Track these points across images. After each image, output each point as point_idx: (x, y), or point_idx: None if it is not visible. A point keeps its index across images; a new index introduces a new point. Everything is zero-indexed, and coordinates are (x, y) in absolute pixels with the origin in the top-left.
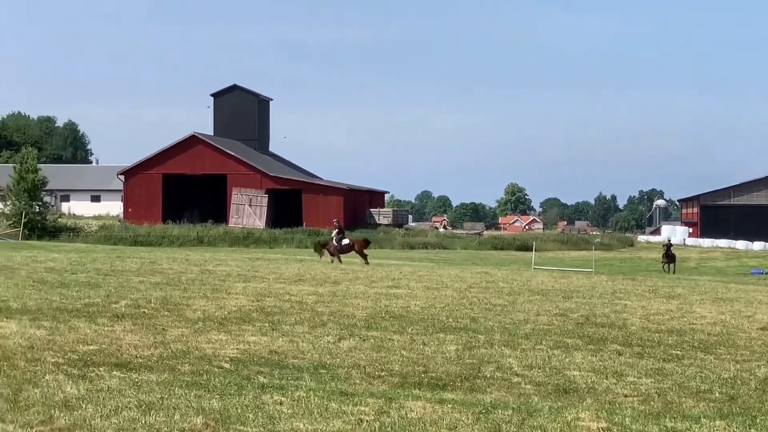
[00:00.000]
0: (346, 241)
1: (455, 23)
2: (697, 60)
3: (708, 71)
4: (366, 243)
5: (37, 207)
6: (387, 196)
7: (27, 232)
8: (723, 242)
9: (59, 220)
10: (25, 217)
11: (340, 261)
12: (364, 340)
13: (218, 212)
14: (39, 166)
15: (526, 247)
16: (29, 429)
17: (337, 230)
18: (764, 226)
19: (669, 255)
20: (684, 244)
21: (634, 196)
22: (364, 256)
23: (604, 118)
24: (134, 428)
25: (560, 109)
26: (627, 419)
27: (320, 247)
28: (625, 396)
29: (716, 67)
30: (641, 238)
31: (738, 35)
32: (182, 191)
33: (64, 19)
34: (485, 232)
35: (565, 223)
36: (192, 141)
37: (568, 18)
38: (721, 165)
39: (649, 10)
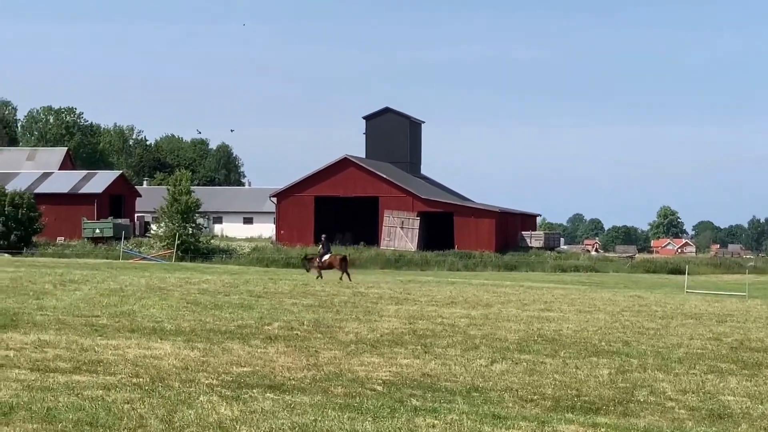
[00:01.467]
0: (326, 258)
1: (606, 44)
2: None
3: None
4: (343, 260)
5: (190, 229)
6: (539, 219)
7: (180, 254)
8: None
9: (212, 241)
10: (178, 239)
11: (321, 276)
12: (517, 363)
13: (370, 234)
14: (192, 188)
15: (678, 271)
16: None
17: (322, 245)
18: None
19: None
20: None
21: None
22: (346, 273)
23: (757, 139)
24: None
25: (712, 131)
26: None
27: (307, 261)
28: None
29: None
30: None
31: None
32: (334, 213)
33: (217, 45)
34: (637, 256)
35: (718, 246)
36: (344, 163)
37: (709, 39)
38: None
39: None
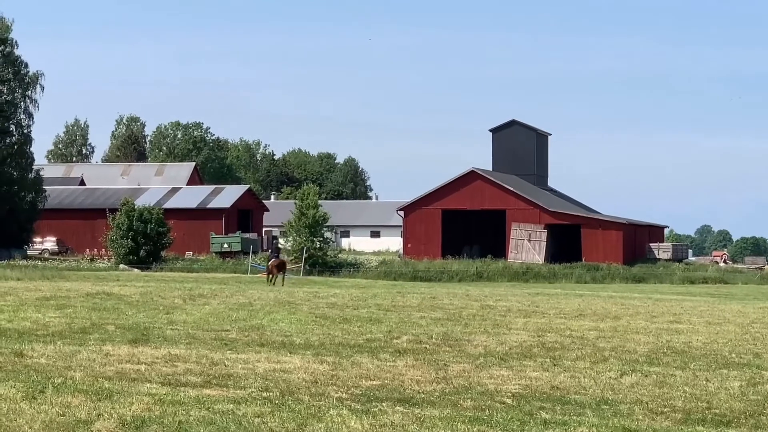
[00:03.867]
0: (270, 262)
1: (737, 51)
2: None
3: None
4: (279, 265)
5: (318, 243)
6: (666, 231)
7: (308, 268)
8: None
9: (339, 255)
10: (306, 253)
11: (272, 283)
12: (646, 375)
13: (497, 247)
14: (320, 202)
15: None
16: None
17: (270, 251)
18: None
19: None
20: None
21: None
22: (281, 277)
23: None
24: None
25: None
26: None
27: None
28: None
29: None
30: None
31: None
32: (461, 226)
33: (338, 61)
34: (767, 267)
35: None
36: (471, 176)
37: None
38: None
39: None
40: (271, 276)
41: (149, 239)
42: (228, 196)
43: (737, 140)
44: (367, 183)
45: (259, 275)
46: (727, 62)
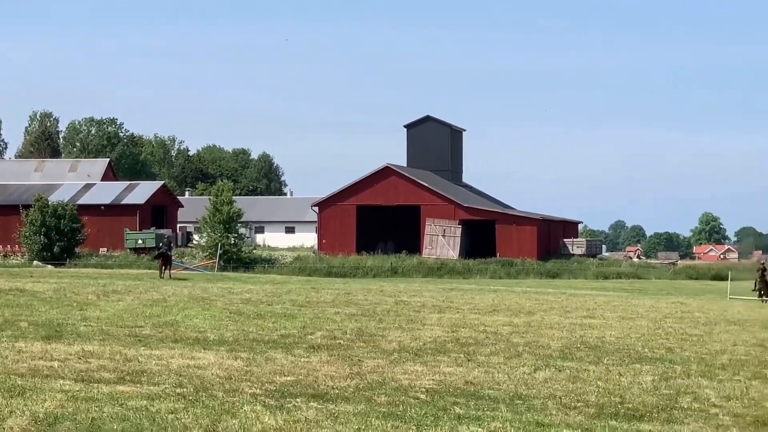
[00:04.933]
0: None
1: (652, 50)
2: None
3: None
4: (165, 259)
5: (232, 239)
6: (580, 226)
7: (222, 264)
8: None
9: (254, 251)
10: (220, 249)
11: (162, 276)
12: (560, 370)
13: (412, 243)
14: (234, 198)
15: (721, 277)
16: None
17: (161, 245)
18: None
19: (765, 281)
20: None
21: None
22: (168, 270)
23: None
24: None
25: (753, 138)
26: None
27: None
28: None
29: None
30: None
31: None
32: (376, 222)
33: (254, 55)
34: (680, 262)
35: (761, 252)
36: (385, 172)
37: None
38: None
39: None
40: (161, 269)
41: (63, 235)
42: (142, 192)
43: (651, 136)
44: (282, 179)
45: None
46: (639, 58)
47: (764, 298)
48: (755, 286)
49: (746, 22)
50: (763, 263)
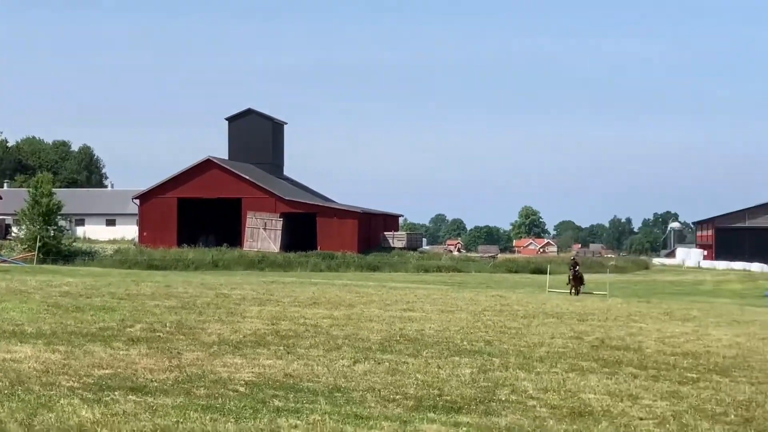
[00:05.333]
0: None
1: (467, 46)
2: (715, 83)
3: (725, 95)
4: None
5: (52, 231)
6: (401, 220)
7: (42, 257)
8: (738, 265)
9: (74, 244)
10: (39, 242)
11: None
12: (379, 363)
13: (233, 236)
14: (54, 190)
15: (540, 270)
16: None
17: None
18: None
19: (576, 277)
20: (699, 266)
21: (648, 219)
22: None
23: (619, 140)
24: None
25: (574, 132)
26: None
27: None
28: (641, 419)
29: (733, 90)
30: (656, 260)
31: (749, 58)
32: (197, 215)
33: (76, 45)
34: (499, 255)
35: (580, 245)
36: (207, 165)
37: (583, 41)
38: (736, 188)
39: (662, 32)
40: None
41: None
42: None
43: (471, 130)
44: (103, 171)
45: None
46: (455, 54)
47: (574, 291)
48: (568, 280)
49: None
50: (574, 258)
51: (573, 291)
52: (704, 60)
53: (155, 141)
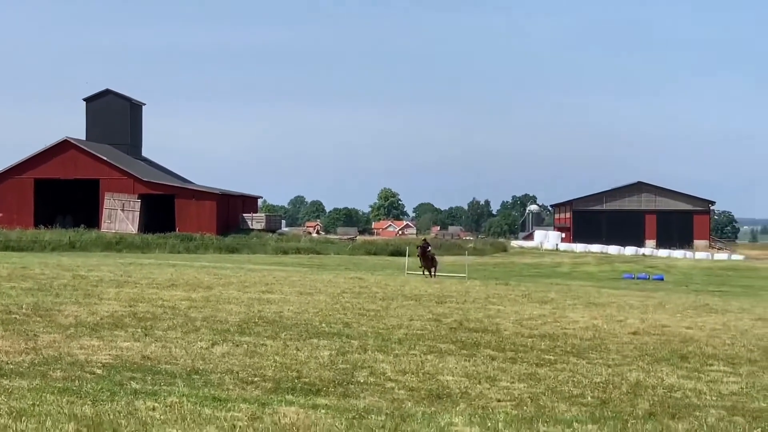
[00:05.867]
0: None
1: (331, 26)
2: (574, 64)
3: (587, 75)
4: None
5: None
6: (260, 201)
7: None
8: (595, 247)
9: None
10: None
11: None
12: (237, 345)
13: (91, 217)
14: None
15: (399, 252)
16: None
17: None
18: (635, 231)
19: (426, 257)
20: (557, 249)
21: (507, 202)
22: None
23: (479, 123)
24: None
25: (435, 115)
26: (500, 424)
27: None
28: (498, 401)
29: (595, 70)
30: (514, 243)
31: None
32: (55, 196)
33: None
34: (358, 237)
35: (439, 228)
36: (64, 146)
37: (445, 22)
38: (593, 171)
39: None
40: None
41: None
42: None
43: (330, 111)
44: None
45: None
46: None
47: (427, 273)
48: (420, 263)
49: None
50: (425, 239)
51: (426, 273)
52: (549, 36)
53: (11, 120)
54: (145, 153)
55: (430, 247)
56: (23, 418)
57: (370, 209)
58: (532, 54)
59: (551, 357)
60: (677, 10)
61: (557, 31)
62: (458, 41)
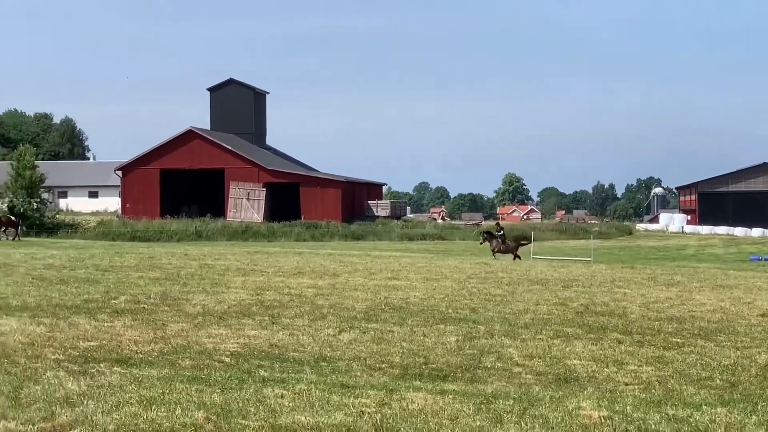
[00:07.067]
0: None
1: (446, 13)
2: (695, 49)
3: (705, 60)
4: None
5: (34, 204)
6: (385, 188)
7: (25, 229)
8: (721, 229)
9: (57, 216)
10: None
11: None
12: (364, 332)
13: (216, 207)
14: (36, 162)
15: (524, 237)
16: (31, 426)
17: None
18: (762, 213)
19: (502, 242)
20: (682, 231)
21: (631, 185)
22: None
23: (601, 106)
24: (136, 423)
25: (558, 99)
26: (628, 407)
27: None
28: (626, 384)
29: (716, 55)
30: (639, 226)
31: (731, 25)
32: (180, 186)
33: (58, 16)
34: (483, 223)
35: (563, 212)
36: (189, 136)
37: (565, 6)
38: (719, 152)
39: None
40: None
41: None
42: None
43: (453, 98)
44: (85, 143)
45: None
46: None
47: (497, 254)
48: (493, 250)
49: None
50: (498, 222)
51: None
52: (682, 24)
53: (137, 113)
54: (269, 142)
55: (503, 231)
56: (153, 406)
57: (494, 194)
58: (668, 32)
59: (678, 340)
60: None
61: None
62: (579, 20)
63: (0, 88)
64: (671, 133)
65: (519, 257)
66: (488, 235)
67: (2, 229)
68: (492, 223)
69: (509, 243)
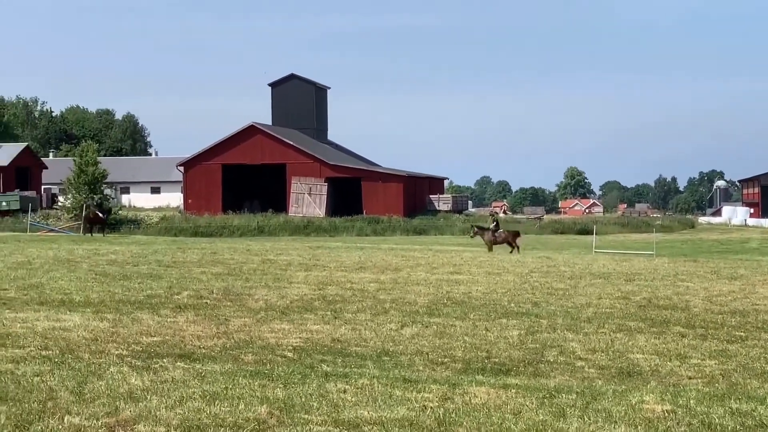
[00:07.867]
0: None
1: (511, 8)
2: (756, 41)
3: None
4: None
5: (97, 200)
6: (446, 182)
7: (88, 225)
8: None
9: (120, 212)
10: (86, 210)
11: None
12: (427, 326)
13: (278, 202)
14: (99, 159)
15: (586, 231)
16: (95, 421)
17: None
18: None
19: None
20: (745, 224)
21: (694, 178)
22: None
23: (663, 99)
24: (199, 418)
25: (618, 92)
26: (692, 401)
27: None
28: (689, 378)
29: None
30: (702, 219)
31: None
32: (242, 181)
33: (121, 13)
34: (545, 217)
35: (625, 205)
36: (251, 131)
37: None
38: None
39: None
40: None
41: None
42: (5, 154)
43: (515, 92)
44: (147, 139)
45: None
46: (483, 17)
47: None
48: (512, 246)
49: None
50: (492, 213)
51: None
52: (748, 17)
53: (199, 107)
54: (330, 137)
55: (496, 222)
56: (216, 401)
57: (556, 188)
58: (734, 25)
59: (742, 333)
60: None
61: None
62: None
63: (63, 85)
64: (734, 125)
65: (517, 247)
66: (479, 229)
67: (91, 226)
68: (537, 214)
69: (501, 233)
